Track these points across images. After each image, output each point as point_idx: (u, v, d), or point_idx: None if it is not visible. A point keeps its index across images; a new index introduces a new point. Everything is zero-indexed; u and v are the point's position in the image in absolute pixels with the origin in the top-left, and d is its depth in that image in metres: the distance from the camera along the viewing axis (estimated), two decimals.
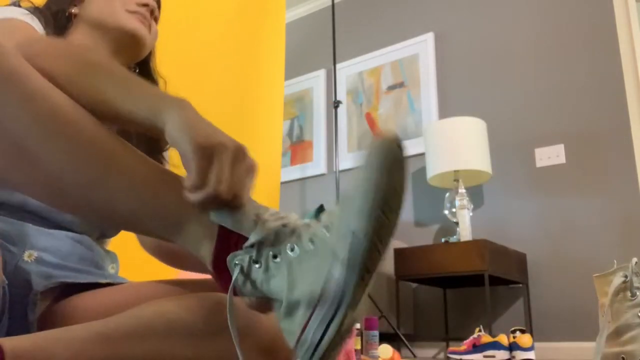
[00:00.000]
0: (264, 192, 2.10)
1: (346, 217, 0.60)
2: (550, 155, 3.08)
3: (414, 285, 3.30)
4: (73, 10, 1.09)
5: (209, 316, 0.74)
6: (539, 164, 3.11)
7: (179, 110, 0.68)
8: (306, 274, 0.62)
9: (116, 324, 0.71)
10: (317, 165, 3.99)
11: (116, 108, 0.72)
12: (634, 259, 0.95)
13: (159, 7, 1.16)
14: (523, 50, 3.31)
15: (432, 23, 3.71)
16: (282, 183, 2.32)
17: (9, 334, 0.78)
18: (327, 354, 0.61)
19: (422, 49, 3.70)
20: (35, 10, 1.01)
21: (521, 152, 3.18)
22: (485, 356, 2.30)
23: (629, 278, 0.92)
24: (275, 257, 0.64)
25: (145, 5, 1.09)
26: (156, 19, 1.14)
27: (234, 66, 2.03)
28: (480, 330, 2.43)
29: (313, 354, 0.61)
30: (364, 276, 0.60)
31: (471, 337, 2.39)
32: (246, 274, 0.65)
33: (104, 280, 0.90)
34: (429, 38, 3.68)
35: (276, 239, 0.65)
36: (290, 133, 4.23)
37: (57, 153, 0.69)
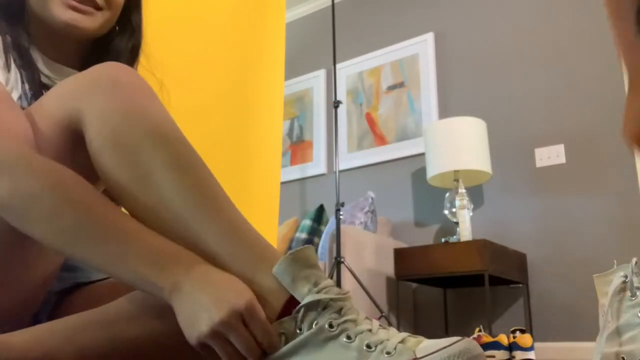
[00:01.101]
0: (264, 192, 2.10)
1: None
2: (550, 155, 3.08)
3: (414, 285, 3.30)
4: None
5: None
6: (539, 164, 3.11)
7: (176, 295, 0.66)
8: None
9: (107, 310, 0.73)
10: (317, 165, 3.99)
11: (104, 272, 0.70)
12: (634, 259, 0.94)
13: None
14: (523, 50, 3.31)
15: (432, 23, 3.71)
16: (282, 183, 2.31)
17: None
18: None
19: (422, 49, 3.70)
20: None
21: (521, 152, 3.18)
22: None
23: (629, 278, 0.92)
24: (317, 323, 0.65)
25: None
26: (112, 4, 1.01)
27: (234, 66, 2.03)
28: (480, 330, 2.43)
29: None
30: None
31: (471, 337, 2.39)
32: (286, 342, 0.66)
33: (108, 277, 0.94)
34: (429, 38, 3.68)
35: (324, 309, 0.65)
36: (290, 133, 4.23)
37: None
